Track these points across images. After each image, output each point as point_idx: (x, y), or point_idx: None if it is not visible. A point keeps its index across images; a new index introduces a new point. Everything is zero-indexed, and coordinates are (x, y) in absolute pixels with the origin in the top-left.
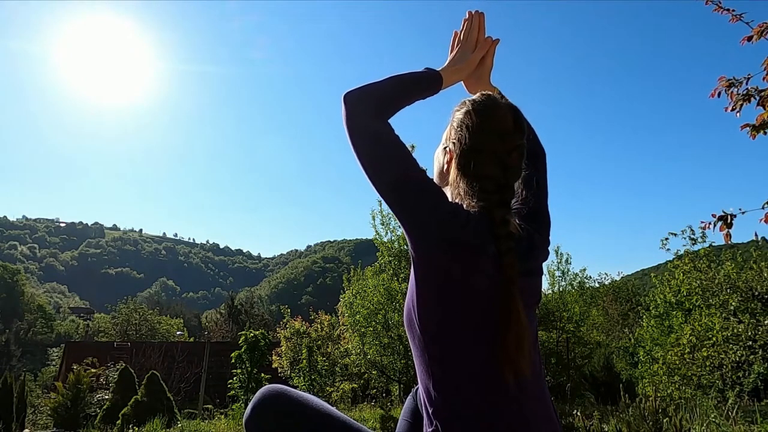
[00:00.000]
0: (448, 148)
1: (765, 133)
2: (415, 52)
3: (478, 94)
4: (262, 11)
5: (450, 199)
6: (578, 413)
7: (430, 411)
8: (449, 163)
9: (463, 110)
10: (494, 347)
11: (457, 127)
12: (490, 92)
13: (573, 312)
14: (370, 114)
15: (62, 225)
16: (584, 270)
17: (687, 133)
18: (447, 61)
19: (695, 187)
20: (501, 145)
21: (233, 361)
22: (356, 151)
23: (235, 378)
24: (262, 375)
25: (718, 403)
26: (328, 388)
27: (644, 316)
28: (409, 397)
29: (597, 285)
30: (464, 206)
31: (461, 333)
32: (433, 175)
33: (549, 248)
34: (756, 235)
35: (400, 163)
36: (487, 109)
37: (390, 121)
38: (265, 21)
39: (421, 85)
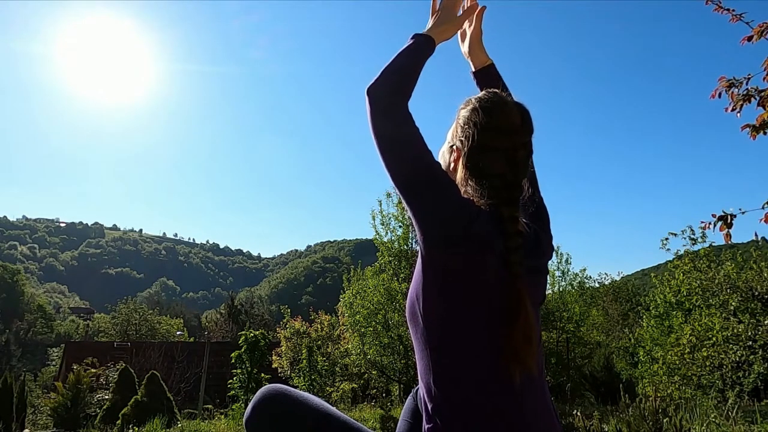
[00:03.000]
0: (454, 147)
1: (765, 133)
2: None
3: (483, 92)
4: (262, 11)
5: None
6: (578, 413)
7: (430, 407)
8: (456, 161)
9: (470, 108)
10: (498, 344)
11: (464, 124)
12: (496, 90)
13: (573, 312)
14: (393, 108)
15: (62, 225)
16: (584, 270)
17: (687, 133)
18: (432, 23)
19: (695, 187)
20: (509, 142)
21: (233, 361)
22: (378, 147)
23: (235, 378)
24: (262, 375)
25: (718, 403)
26: (328, 388)
27: (644, 316)
28: (409, 397)
29: (597, 285)
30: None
31: (465, 328)
32: None
33: (553, 244)
34: (756, 235)
35: (418, 159)
36: (495, 106)
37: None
38: (265, 21)
39: (424, 52)
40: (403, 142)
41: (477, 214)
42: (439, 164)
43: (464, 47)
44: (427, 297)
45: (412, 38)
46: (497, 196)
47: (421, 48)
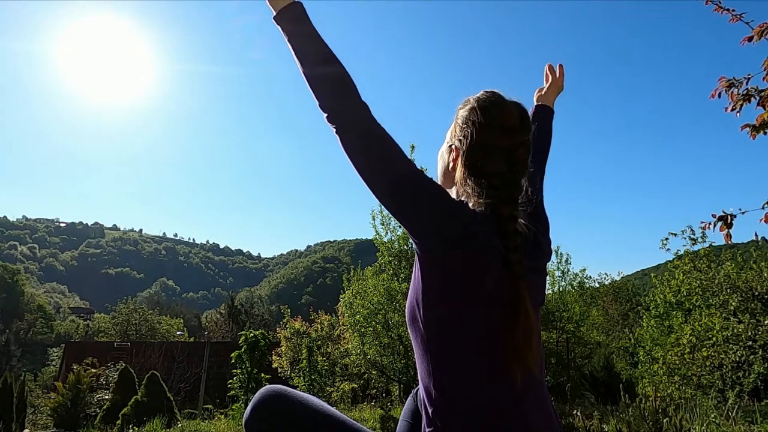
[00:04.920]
0: (453, 146)
1: (765, 133)
2: (414, 51)
3: (481, 92)
4: (262, 11)
5: (455, 197)
6: (578, 413)
7: (430, 410)
8: (455, 161)
9: (468, 107)
10: (498, 345)
11: (463, 124)
12: (494, 90)
13: (573, 312)
14: (357, 125)
15: (62, 225)
16: (584, 270)
17: (687, 133)
18: None
19: (695, 187)
20: (508, 140)
21: (233, 361)
22: (360, 165)
23: (235, 378)
24: (262, 375)
25: (718, 403)
26: (328, 388)
27: (644, 316)
28: (409, 397)
29: (597, 285)
30: (471, 204)
31: (465, 330)
32: (438, 174)
33: (551, 247)
34: (756, 235)
35: (395, 170)
36: (493, 105)
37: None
38: (265, 21)
39: (306, 23)
40: (389, 157)
41: (473, 216)
42: (421, 171)
43: (539, 92)
44: (426, 300)
45: (279, 22)
46: (496, 194)
47: (303, 26)
